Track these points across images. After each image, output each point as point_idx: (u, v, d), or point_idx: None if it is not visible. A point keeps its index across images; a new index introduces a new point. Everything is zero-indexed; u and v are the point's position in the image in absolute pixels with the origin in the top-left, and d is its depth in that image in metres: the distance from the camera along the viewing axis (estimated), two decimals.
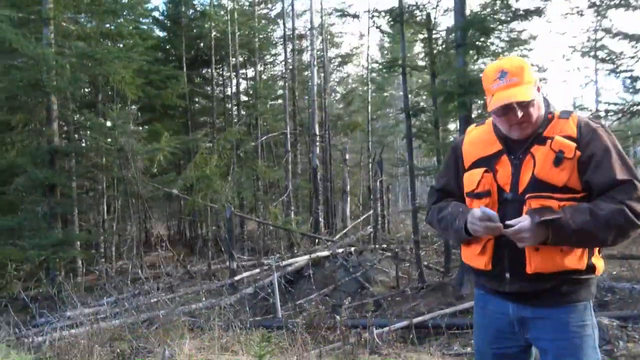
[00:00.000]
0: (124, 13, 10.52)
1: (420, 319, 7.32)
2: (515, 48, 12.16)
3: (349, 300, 8.30)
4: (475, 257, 2.20)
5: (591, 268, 2.06)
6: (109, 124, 10.40)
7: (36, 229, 9.71)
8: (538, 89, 2.12)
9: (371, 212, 12.82)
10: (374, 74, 18.47)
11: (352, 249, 10.52)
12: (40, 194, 10.04)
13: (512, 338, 2.22)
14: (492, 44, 9.35)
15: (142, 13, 13.92)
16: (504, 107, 2.05)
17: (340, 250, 10.31)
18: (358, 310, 8.44)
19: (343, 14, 13.92)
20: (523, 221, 1.93)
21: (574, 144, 2.00)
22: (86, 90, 12.29)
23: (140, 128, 12.80)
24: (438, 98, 9.84)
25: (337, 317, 7.08)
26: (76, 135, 11.17)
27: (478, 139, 2.27)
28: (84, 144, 10.92)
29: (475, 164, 2.22)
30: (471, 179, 2.20)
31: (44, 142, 10.32)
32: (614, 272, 8.51)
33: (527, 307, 2.12)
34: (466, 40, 8.70)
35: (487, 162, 2.17)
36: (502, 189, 2.10)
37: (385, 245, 10.97)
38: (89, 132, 10.57)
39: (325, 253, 10.00)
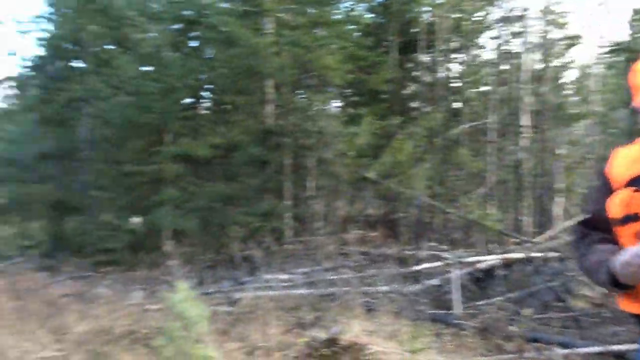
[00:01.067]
0: (332, 2, 11.09)
1: (618, 347, 6.28)
2: None
3: (533, 310, 7.53)
4: (626, 300, 1.81)
5: None
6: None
7: (249, 199, 11.05)
8: None
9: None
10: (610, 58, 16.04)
11: (552, 254, 9.49)
12: (254, 168, 11.37)
13: None
14: None
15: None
16: None
17: (538, 254, 9.40)
18: (549, 324, 7.62)
19: None
20: None
21: None
22: (300, 75, 13.32)
23: (343, 111, 13.38)
24: None
25: (514, 326, 6.53)
26: (287, 118, 12.28)
27: (628, 158, 1.92)
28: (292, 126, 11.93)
29: (627, 185, 1.85)
30: (619, 201, 1.84)
31: (259, 123, 11.62)
32: None
33: None
34: None
35: (638, 183, 1.81)
36: None
37: None
38: (296, 114, 11.52)
39: (519, 255, 9.22)
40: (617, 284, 1.71)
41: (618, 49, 9.18)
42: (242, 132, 11.58)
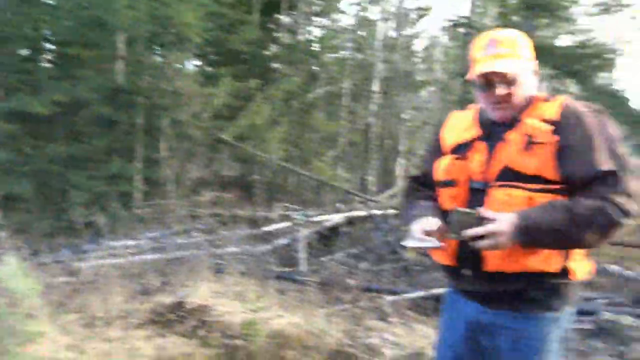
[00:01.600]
0: None
1: (439, 290, 7.14)
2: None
3: (369, 263, 8.25)
4: (437, 253, 2.04)
5: (567, 272, 1.84)
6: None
7: (94, 161, 10.38)
8: (535, 73, 1.95)
9: None
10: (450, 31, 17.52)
11: (391, 211, 10.36)
12: (101, 128, 10.67)
13: (471, 344, 2.04)
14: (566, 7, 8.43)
15: None
16: (485, 80, 1.88)
17: (378, 212, 10.20)
18: (384, 275, 8.38)
19: None
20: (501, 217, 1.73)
21: (549, 127, 1.80)
22: (156, 30, 12.60)
23: (201, 71, 13.01)
24: None
25: (351, 279, 7.10)
26: (139, 76, 11.62)
27: (457, 124, 2.11)
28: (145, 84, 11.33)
29: (452, 151, 2.04)
30: (441, 166, 2.03)
31: (108, 80, 10.86)
32: None
33: (487, 310, 1.95)
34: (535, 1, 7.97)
35: (461, 149, 2.00)
36: (472, 178, 1.93)
37: None
38: (150, 72, 10.96)
39: (362, 213, 9.93)
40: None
41: (459, 23, 10.02)
42: (89, 88, 10.72)
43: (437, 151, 2.12)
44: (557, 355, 1.92)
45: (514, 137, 1.84)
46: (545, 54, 6.90)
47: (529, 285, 1.83)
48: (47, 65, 13.80)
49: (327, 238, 10.12)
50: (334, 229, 10.16)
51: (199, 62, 14.51)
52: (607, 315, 5.42)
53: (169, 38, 12.60)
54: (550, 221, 1.69)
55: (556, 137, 1.78)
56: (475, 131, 1.99)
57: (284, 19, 16.19)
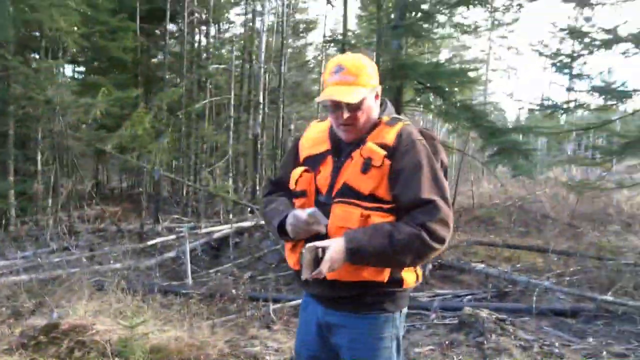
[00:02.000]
0: None
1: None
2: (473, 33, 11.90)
3: (252, 272, 8.41)
4: (288, 254, 2.18)
5: (397, 281, 2.01)
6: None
7: None
8: (376, 96, 2.06)
9: None
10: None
11: None
12: None
13: (322, 342, 2.20)
14: (431, 30, 9.20)
15: None
16: (332, 104, 1.99)
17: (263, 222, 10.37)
18: (273, 283, 8.55)
19: None
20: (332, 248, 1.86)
21: (382, 152, 1.93)
22: (27, 36, 11.84)
23: (80, 79, 12.41)
24: None
25: (237, 289, 7.21)
26: (7, 85, 10.82)
27: (313, 136, 2.19)
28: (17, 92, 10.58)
29: (305, 161, 2.14)
30: (293, 177, 2.12)
31: None
32: (519, 265, 8.80)
33: (332, 311, 2.10)
34: (404, 21, 8.61)
35: (313, 162, 2.11)
36: (320, 191, 2.05)
37: None
38: (20, 81, 10.24)
39: (249, 223, 10.06)
40: (283, 233, 2.05)
41: (335, 39, 10.51)
42: None
43: (294, 159, 2.22)
44: (393, 351, 2.11)
45: (356, 157, 1.97)
46: (410, 69, 7.54)
47: (364, 292, 2.00)
48: None
49: (218, 249, 10.13)
50: (224, 240, 10.19)
51: (77, 69, 13.79)
52: (468, 310, 6.00)
53: (42, 44, 11.90)
54: (374, 245, 1.84)
55: (389, 162, 1.92)
56: (326, 145, 2.10)
57: (170, 27, 15.88)
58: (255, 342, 6.11)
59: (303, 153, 2.18)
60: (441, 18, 9.06)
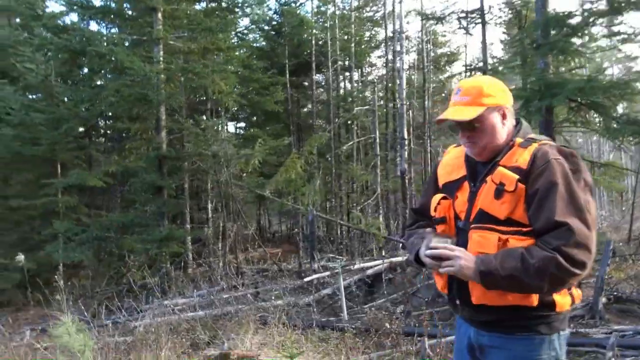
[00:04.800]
0: (220, 29, 11.48)
1: None
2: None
3: (406, 307, 8.29)
4: (436, 278, 2.23)
5: (549, 305, 1.94)
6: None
7: (145, 226, 11.06)
8: (503, 115, 2.04)
9: None
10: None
11: None
12: (150, 194, 11.41)
13: None
14: (584, 44, 8.52)
15: (254, 25, 14.96)
16: (456, 124, 2.04)
17: None
18: (432, 318, 8.36)
19: (427, 17, 13.62)
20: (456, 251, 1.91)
21: (515, 177, 1.89)
22: (194, 100, 13.56)
23: (239, 133, 13.77)
24: (517, 102, 9.32)
25: (394, 324, 7.17)
26: (182, 144, 12.43)
27: (450, 162, 2.22)
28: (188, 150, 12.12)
29: (443, 188, 2.18)
30: (433, 204, 2.17)
31: (153, 149, 11.68)
32: None
33: (484, 333, 2.07)
34: (548, 39, 8.18)
35: (451, 188, 2.14)
36: (458, 217, 2.07)
37: None
38: (189, 139, 11.74)
39: (400, 259, 10.02)
40: (419, 262, 2.10)
41: (475, 67, 10.31)
42: (137, 158, 11.56)
43: (434, 186, 2.25)
44: None
45: (489, 183, 1.95)
46: (558, 87, 7.06)
47: (513, 315, 1.94)
48: (99, 140, 14.86)
49: (371, 285, 10.24)
50: (378, 276, 10.28)
51: (236, 125, 15.32)
52: None
53: (207, 106, 13.50)
54: (505, 268, 1.80)
55: (523, 185, 1.87)
56: (462, 171, 2.11)
57: (316, 77, 16.95)
58: None
59: (441, 180, 2.21)
60: (594, 29, 8.43)
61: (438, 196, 2.16)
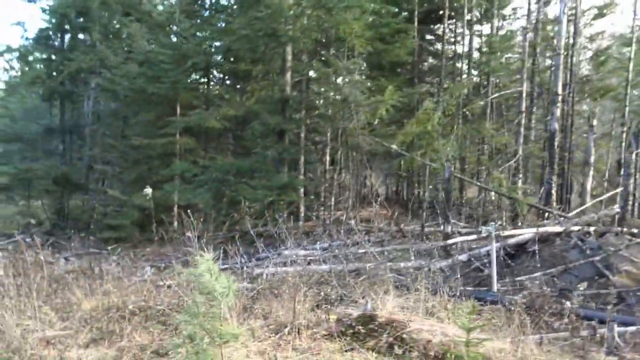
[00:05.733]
0: None
1: None
2: None
3: (584, 286, 6.96)
4: None
5: None
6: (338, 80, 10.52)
7: (265, 172, 10.47)
8: None
9: (619, 189, 10.69)
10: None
11: (592, 229, 8.87)
12: (271, 140, 10.78)
13: None
14: None
15: None
16: None
17: (575, 229, 8.78)
18: (593, 301, 7.08)
19: None
20: None
21: None
22: (319, 41, 12.56)
23: (366, 80, 12.67)
24: None
25: (567, 303, 5.96)
26: (306, 87, 11.60)
27: None
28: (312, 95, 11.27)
29: None
30: None
31: (277, 92, 10.97)
32: None
33: None
34: None
35: None
36: None
37: (636, 230, 9.01)
38: (316, 83, 10.86)
39: (557, 229, 8.61)
40: None
41: None
42: (259, 101, 10.92)
43: None
44: None
45: None
46: None
47: None
48: (221, 81, 14.49)
49: (512, 256, 8.98)
50: (520, 247, 9.00)
51: (361, 73, 14.21)
52: None
53: (334, 48, 12.51)
54: None
55: None
56: None
57: (445, 28, 15.32)
58: None
59: None
60: None
61: None
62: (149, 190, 7.66)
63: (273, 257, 8.53)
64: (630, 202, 10.33)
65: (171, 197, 11.95)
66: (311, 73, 11.62)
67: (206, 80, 13.90)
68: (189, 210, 11.34)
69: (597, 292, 7.30)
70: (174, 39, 12.60)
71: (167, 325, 5.49)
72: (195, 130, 12.92)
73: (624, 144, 13.15)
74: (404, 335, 5.09)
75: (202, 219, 12.34)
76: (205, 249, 8.13)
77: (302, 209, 12.17)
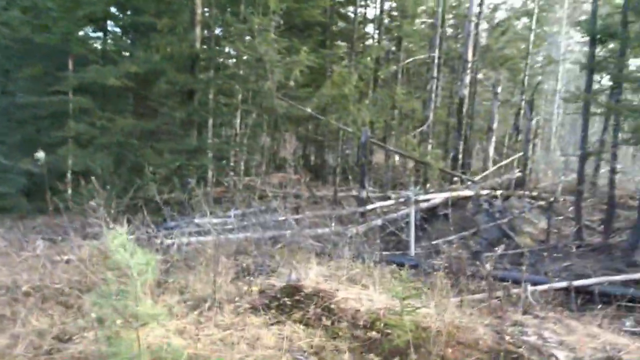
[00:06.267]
0: None
1: (583, 282, 6.12)
2: None
3: (496, 248, 7.26)
4: None
5: None
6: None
7: (173, 135, 9.75)
8: None
9: (518, 155, 11.32)
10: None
11: (498, 192, 9.32)
12: (179, 100, 10.03)
13: None
14: None
15: None
16: None
17: (484, 192, 9.16)
18: (501, 261, 7.45)
19: None
20: None
21: None
22: None
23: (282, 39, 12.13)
24: (630, 22, 7.93)
25: (485, 265, 6.18)
26: (216, 44, 10.87)
27: None
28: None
29: None
30: None
31: (186, 48, 10.17)
32: None
33: None
34: None
35: None
36: None
37: (535, 194, 9.60)
38: (227, 40, 10.17)
39: (468, 193, 8.91)
40: None
41: None
42: (165, 58, 10.04)
43: None
44: None
45: None
46: None
47: None
48: (121, 34, 13.24)
49: (425, 220, 9.18)
50: (432, 211, 9.22)
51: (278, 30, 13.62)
52: None
53: (239, 8, 11.81)
54: None
55: None
56: None
57: None
58: (527, 330, 5.00)
59: None
60: None
61: None
62: (41, 155, 6.78)
63: (183, 226, 8.01)
64: (529, 167, 11.00)
65: (65, 162, 10.84)
66: (222, 30, 10.87)
67: (102, 34, 12.57)
68: (86, 176, 10.34)
69: (504, 253, 7.70)
70: None
71: (68, 306, 4.92)
72: (91, 89, 11.71)
73: (522, 111, 13.92)
74: (332, 306, 4.94)
75: (101, 186, 11.33)
76: (108, 219, 7.42)
77: (211, 174, 11.61)
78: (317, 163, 15.14)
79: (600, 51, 8.52)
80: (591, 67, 7.93)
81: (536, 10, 14.71)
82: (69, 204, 9.90)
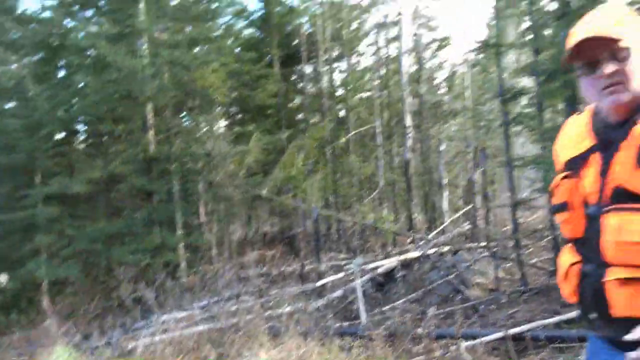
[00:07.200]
0: (210, 18, 10.68)
1: (516, 330, 6.47)
2: None
3: (435, 307, 7.63)
4: (561, 282, 1.64)
5: None
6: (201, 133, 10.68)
7: (135, 235, 10.24)
8: None
9: (470, 206, 11.90)
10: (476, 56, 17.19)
11: (446, 248, 9.78)
12: (139, 200, 10.58)
13: None
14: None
15: (236, 12, 14.20)
16: (586, 56, 1.45)
17: (432, 251, 9.63)
18: (450, 318, 7.77)
19: None
20: None
21: None
22: (182, 96, 12.68)
23: (229, 130, 12.97)
24: (540, 77, 8.75)
25: (421, 327, 6.53)
26: (173, 142, 11.61)
27: (571, 133, 1.67)
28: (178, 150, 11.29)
29: (566, 167, 1.62)
30: (552, 187, 1.64)
31: (141, 151, 10.85)
32: None
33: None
34: (568, 8, 7.59)
35: (576, 164, 1.57)
36: (587, 202, 1.52)
37: (484, 244, 10.07)
38: (181, 137, 10.93)
39: (415, 254, 9.37)
40: None
41: (487, 45, 9.73)
42: (124, 162, 10.70)
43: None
44: None
45: (624, 148, 1.43)
46: None
47: None
48: (82, 145, 13.96)
49: (383, 285, 9.57)
50: (389, 275, 9.63)
51: (227, 122, 14.52)
52: None
53: (196, 102, 12.67)
54: None
55: None
56: (589, 140, 1.56)
57: (305, 68, 16.17)
58: None
59: (561, 158, 1.64)
60: None
61: (557, 177, 1.59)
62: (4, 277, 7.14)
63: (150, 324, 8.32)
64: (484, 217, 11.52)
65: (38, 274, 11.21)
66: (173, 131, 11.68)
67: (67, 145, 13.32)
68: (60, 285, 10.71)
69: (452, 309, 8.02)
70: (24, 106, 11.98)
71: None
72: (60, 198, 12.27)
73: (473, 162, 14.67)
74: None
75: (78, 293, 11.67)
76: (74, 330, 7.78)
77: (182, 265, 12.01)
78: (288, 237, 15.62)
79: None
80: (506, 123, 8.69)
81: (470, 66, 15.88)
82: (43, 316, 10.22)
